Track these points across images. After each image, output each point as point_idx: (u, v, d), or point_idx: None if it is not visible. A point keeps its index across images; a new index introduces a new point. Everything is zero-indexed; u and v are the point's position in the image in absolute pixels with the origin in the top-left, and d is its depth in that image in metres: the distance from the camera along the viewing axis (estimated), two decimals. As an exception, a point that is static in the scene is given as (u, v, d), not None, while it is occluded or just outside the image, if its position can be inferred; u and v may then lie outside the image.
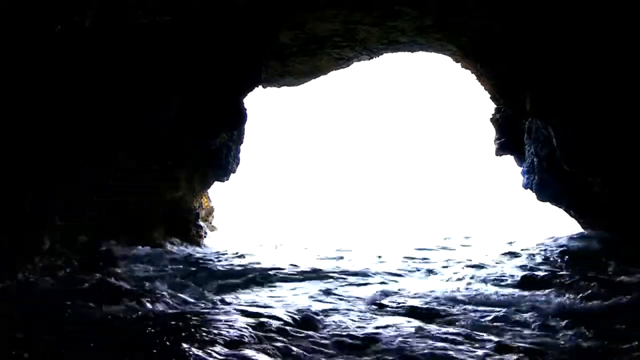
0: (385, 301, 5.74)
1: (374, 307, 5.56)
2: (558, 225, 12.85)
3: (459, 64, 10.68)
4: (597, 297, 5.38)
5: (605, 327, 4.52)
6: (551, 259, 8.42)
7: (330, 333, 4.53)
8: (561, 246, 9.28)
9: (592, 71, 7.20)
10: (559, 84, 7.70)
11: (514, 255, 9.05)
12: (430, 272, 7.84)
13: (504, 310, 5.18)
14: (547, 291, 5.89)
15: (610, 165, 7.59)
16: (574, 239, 9.72)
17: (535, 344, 4.16)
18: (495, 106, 10.92)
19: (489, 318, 4.95)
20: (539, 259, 8.45)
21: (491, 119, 11.05)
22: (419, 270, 7.99)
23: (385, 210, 25.30)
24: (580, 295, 5.50)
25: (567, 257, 8.33)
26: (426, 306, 5.51)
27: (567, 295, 5.60)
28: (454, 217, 21.18)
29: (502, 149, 10.93)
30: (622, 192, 7.84)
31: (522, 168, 10.36)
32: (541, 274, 6.94)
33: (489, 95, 10.74)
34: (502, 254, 9.20)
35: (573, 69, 7.41)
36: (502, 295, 5.86)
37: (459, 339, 4.29)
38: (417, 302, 5.66)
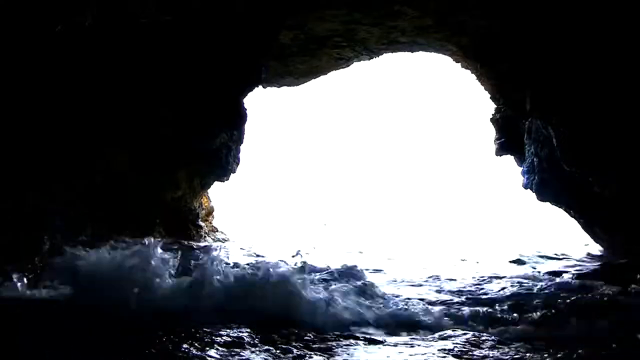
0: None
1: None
2: (558, 226, 12.87)
3: (459, 64, 10.67)
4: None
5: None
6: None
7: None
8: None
9: (592, 71, 7.21)
10: (559, 84, 7.70)
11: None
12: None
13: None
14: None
15: (611, 165, 7.59)
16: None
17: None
18: (495, 106, 10.92)
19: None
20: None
21: (491, 119, 11.04)
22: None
23: (384, 211, 25.31)
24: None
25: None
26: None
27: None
28: (453, 217, 21.19)
29: (502, 149, 10.92)
30: (622, 192, 7.84)
31: (522, 168, 10.36)
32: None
33: (489, 95, 10.74)
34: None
35: (573, 69, 7.41)
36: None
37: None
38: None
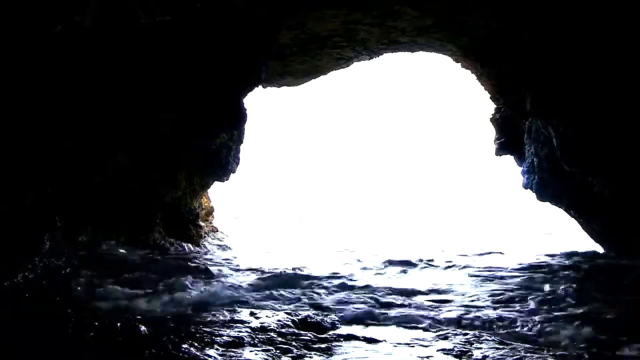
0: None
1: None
2: (558, 226, 12.88)
3: (459, 64, 10.66)
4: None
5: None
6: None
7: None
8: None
9: (592, 71, 7.20)
10: (560, 83, 7.69)
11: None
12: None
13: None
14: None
15: (611, 165, 7.58)
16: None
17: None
18: (495, 106, 10.91)
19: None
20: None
21: (491, 119, 11.04)
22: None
23: (384, 211, 25.31)
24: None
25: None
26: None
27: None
28: (453, 217, 21.20)
29: (502, 149, 10.91)
30: (622, 192, 7.84)
31: (522, 168, 10.35)
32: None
33: (489, 95, 10.72)
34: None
35: (573, 69, 7.40)
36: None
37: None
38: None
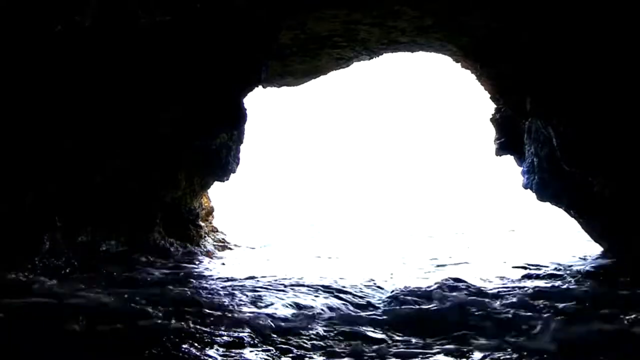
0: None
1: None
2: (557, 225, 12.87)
3: (459, 64, 10.65)
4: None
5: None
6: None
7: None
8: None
9: (592, 71, 7.20)
10: (560, 84, 7.69)
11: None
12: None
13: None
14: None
15: (611, 165, 7.58)
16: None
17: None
18: (495, 106, 10.91)
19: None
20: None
21: (491, 119, 11.03)
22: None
23: (384, 211, 25.34)
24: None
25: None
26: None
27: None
28: (453, 217, 21.23)
29: (502, 149, 10.91)
30: (622, 192, 7.84)
31: (522, 168, 10.35)
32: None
33: (489, 95, 10.72)
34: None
35: (573, 69, 7.41)
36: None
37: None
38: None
